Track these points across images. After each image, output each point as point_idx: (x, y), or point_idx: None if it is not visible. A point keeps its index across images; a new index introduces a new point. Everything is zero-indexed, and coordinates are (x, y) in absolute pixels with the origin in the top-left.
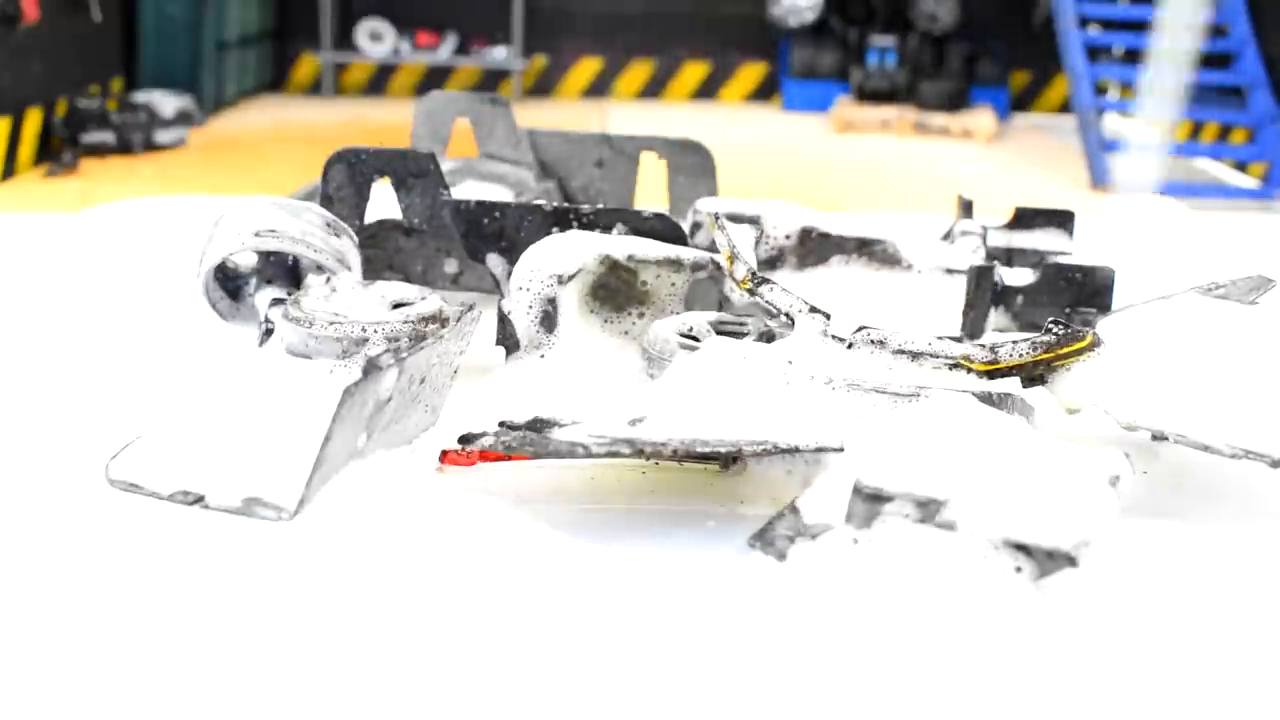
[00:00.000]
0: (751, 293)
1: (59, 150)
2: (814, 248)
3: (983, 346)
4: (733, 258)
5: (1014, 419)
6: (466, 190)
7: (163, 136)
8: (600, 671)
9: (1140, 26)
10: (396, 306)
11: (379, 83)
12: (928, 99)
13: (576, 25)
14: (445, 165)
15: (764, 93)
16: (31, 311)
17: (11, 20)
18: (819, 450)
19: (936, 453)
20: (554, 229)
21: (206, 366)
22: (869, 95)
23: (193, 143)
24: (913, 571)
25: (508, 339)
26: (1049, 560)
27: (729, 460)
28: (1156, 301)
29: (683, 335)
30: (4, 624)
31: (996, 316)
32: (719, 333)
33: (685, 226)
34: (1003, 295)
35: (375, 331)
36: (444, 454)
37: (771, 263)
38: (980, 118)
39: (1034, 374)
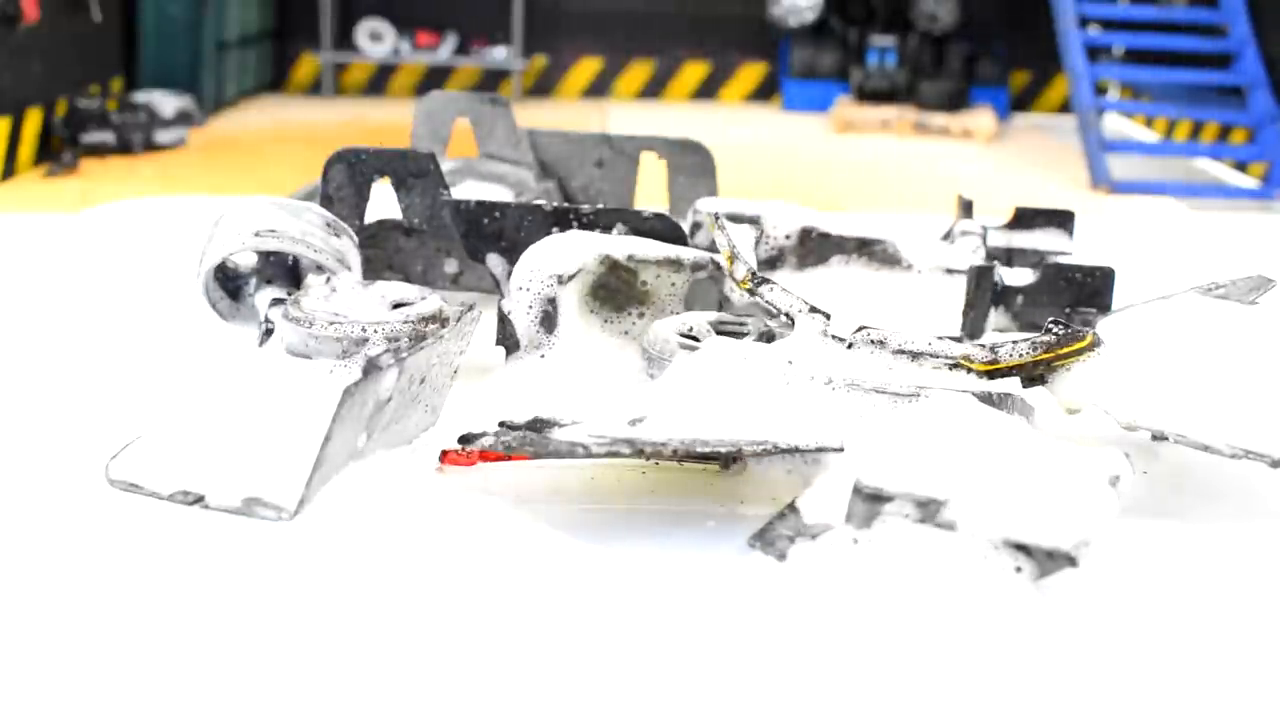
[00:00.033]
0: (751, 293)
1: (59, 150)
2: (814, 248)
3: (983, 346)
4: (733, 258)
5: (1014, 419)
6: (466, 190)
7: (163, 136)
8: (600, 671)
9: (1140, 27)
10: (396, 306)
11: (379, 83)
12: (928, 99)
13: (576, 25)
14: (445, 165)
15: (764, 93)
16: (31, 311)
17: (11, 20)
18: (819, 450)
19: (936, 453)
20: (554, 229)
21: (206, 366)
22: (869, 95)
23: (193, 143)
24: (913, 571)
25: (508, 339)
26: (1049, 560)
27: (729, 460)
28: (1156, 301)
29: (683, 335)
30: (4, 624)
31: (996, 316)
32: (719, 333)
33: (685, 226)
34: (1003, 295)
35: (375, 331)
36: (444, 454)
37: (771, 263)
38: (980, 118)
39: (1034, 374)
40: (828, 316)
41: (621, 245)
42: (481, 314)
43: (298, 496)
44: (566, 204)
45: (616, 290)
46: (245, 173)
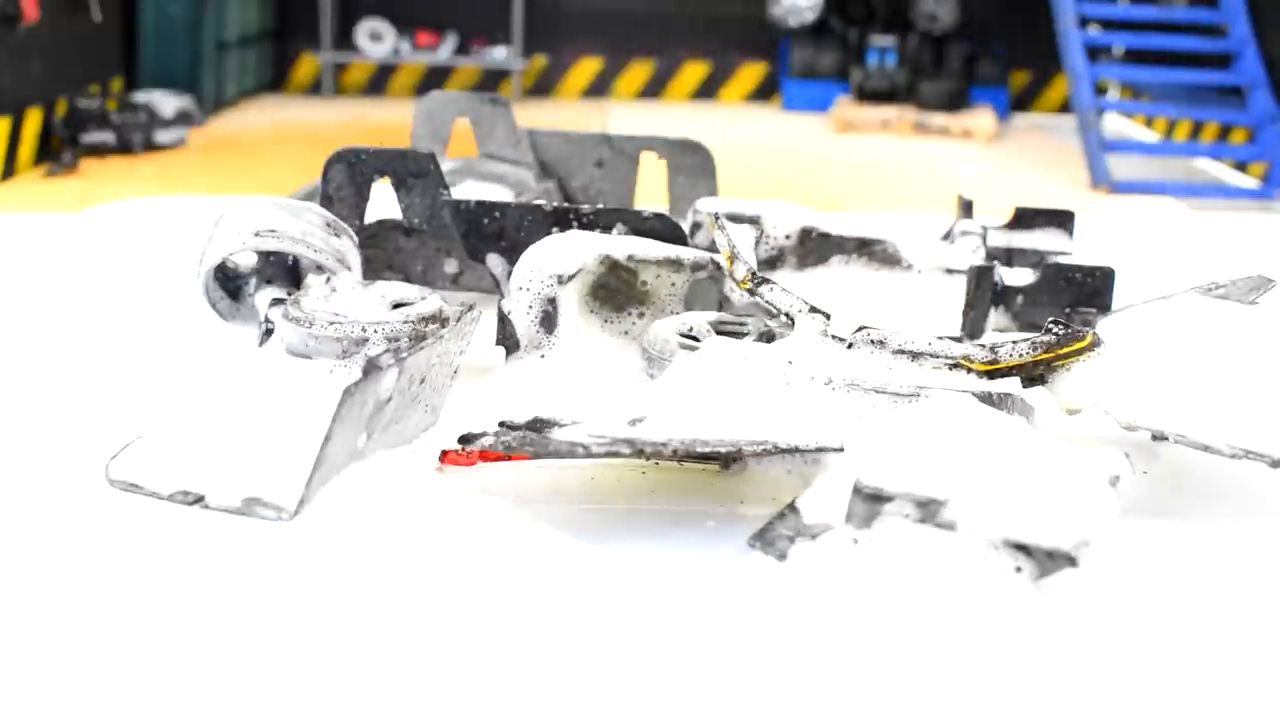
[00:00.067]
0: (751, 293)
1: (59, 150)
2: (814, 248)
3: (983, 346)
4: (733, 258)
5: (1014, 419)
6: (466, 190)
7: (163, 136)
8: (600, 671)
9: (1140, 27)
10: (396, 306)
11: (379, 83)
12: (928, 99)
13: (576, 25)
14: (445, 165)
15: (764, 93)
16: (31, 311)
17: (11, 20)
18: (819, 450)
19: (936, 453)
20: (554, 229)
21: (206, 366)
22: (869, 95)
23: (193, 143)
24: (913, 571)
25: (508, 339)
26: (1049, 560)
27: (729, 460)
28: (1156, 301)
29: (683, 335)
30: (4, 624)
31: (996, 316)
32: (719, 333)
33: (685, 226)
34: (1003, 295)
35: (375, 331)
36: (444, 454)
37: (771, 263)
38: (980, 118)
39: (1034, 374)
40: (828, 316)
41: (621, 245)
42: (481, 314)
43: (298, 496)
44: (566, 204)
45: (616, 290)
46: (245, 173)
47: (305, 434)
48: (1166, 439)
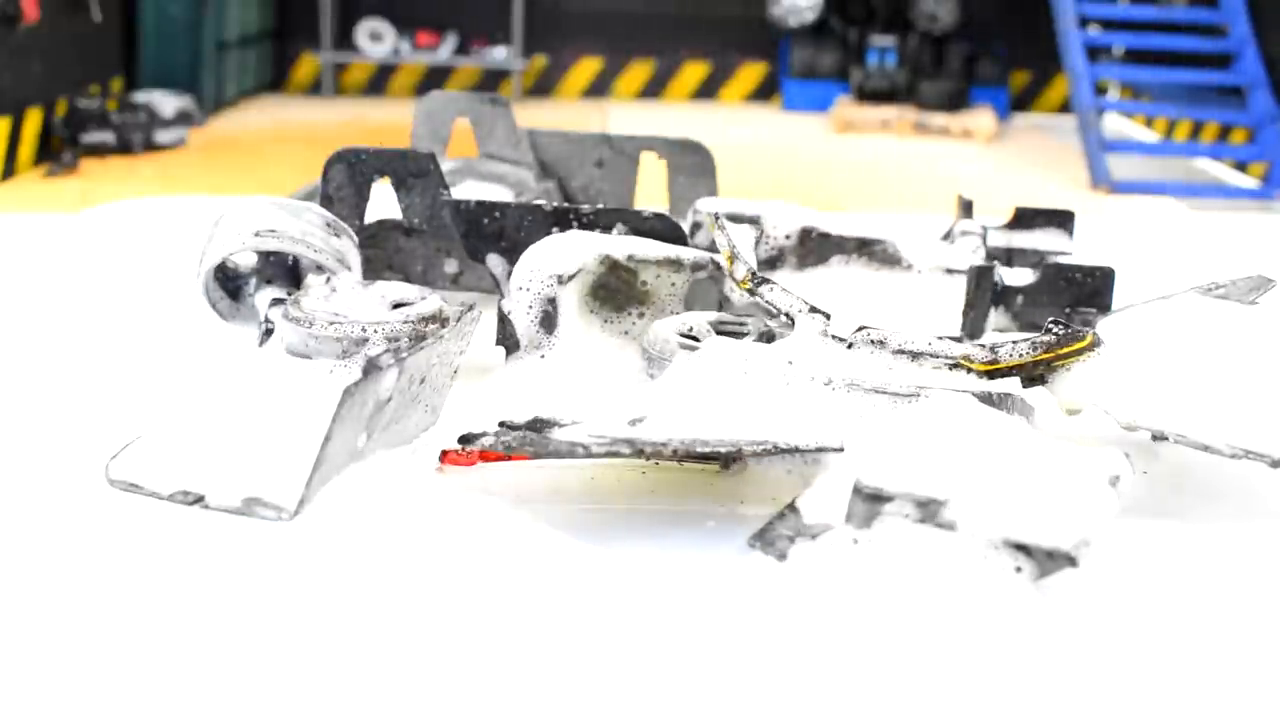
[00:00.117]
0: (751, 293)
1: (59, 150)
2: (814, 248)
3: (983, 346)
4: (733, 258)
5: (1014, 419)
6: (466, 190)
7: (163, 136)
8: (600, 671)
9: (1140, 27)
10: (396, 306)
11: (379, 83)
12: (928, 99)
13: (576, 25)
14: (445, 165)
15: (764, 93)
16: (31, 311)
17: (11, 20)
18: (819, 450)
19: (936, 453)
20: (554, 229)
21: (206, 366)
22: (869, 95)
23: (193, 143)
24: (913, 571)
25: (508, 339)
26: (1049, 560)
27: (729, 460)
28: (1156, 301)
29: (683, 335)
30: (4, 624)
31: (996, 316)
32: (719, 333)
33: (685, 226)
34: (1003, 295)
35: (375, 331)
36: (444, 454)
37: (771, 263)
38: (980, 118)
39: (1034, 374)
40: (828, 316)
41: (621, 245)
42: (481, 314)
43: (298, 496)
44: (566, 204)
45: (616, 290)
46: (245, 173)
47: (305, 434)
48: (1166, 439)
